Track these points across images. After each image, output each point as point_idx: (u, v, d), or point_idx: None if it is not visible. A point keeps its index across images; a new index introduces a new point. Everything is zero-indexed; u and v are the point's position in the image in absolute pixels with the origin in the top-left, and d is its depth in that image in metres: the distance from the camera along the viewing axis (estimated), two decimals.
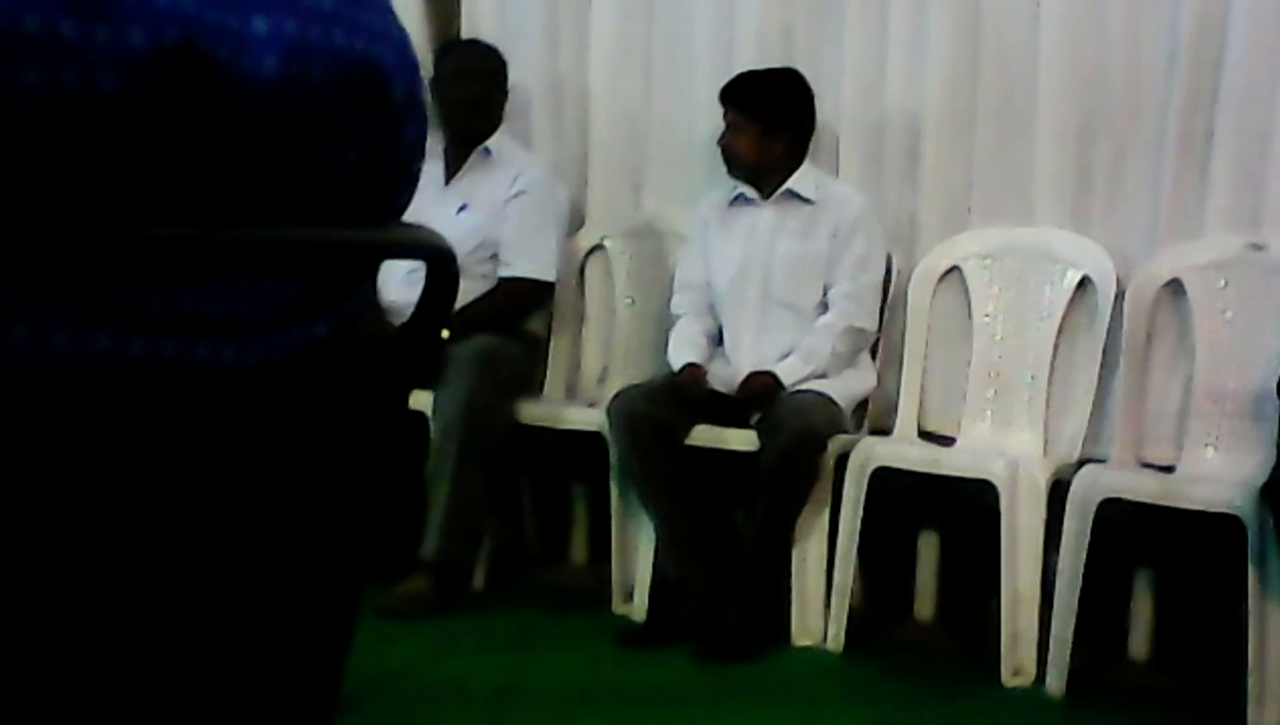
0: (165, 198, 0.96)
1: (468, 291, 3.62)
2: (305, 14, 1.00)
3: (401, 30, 1.07)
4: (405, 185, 1.08)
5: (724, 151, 3.56)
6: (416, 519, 3.52)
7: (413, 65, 1.07)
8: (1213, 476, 3.17)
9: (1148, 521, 3.25)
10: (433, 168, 3.87)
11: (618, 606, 3.57)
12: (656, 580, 3.47)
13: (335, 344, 1.06)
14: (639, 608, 3.49)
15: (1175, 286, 3.33)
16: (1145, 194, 3.38)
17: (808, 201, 3.49)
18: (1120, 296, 3.36)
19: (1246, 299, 3.27)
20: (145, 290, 0.97)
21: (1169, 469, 3.29)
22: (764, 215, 3.56)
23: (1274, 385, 3.11)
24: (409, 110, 1.06)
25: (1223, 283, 3.29)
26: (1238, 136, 3.28)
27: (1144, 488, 3.14)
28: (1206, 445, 3.26)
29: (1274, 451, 3.11)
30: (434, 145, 3.92)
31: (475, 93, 3.84)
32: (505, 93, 3.92)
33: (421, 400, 3.48)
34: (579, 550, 4.05)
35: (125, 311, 0.96)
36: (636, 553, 3.53)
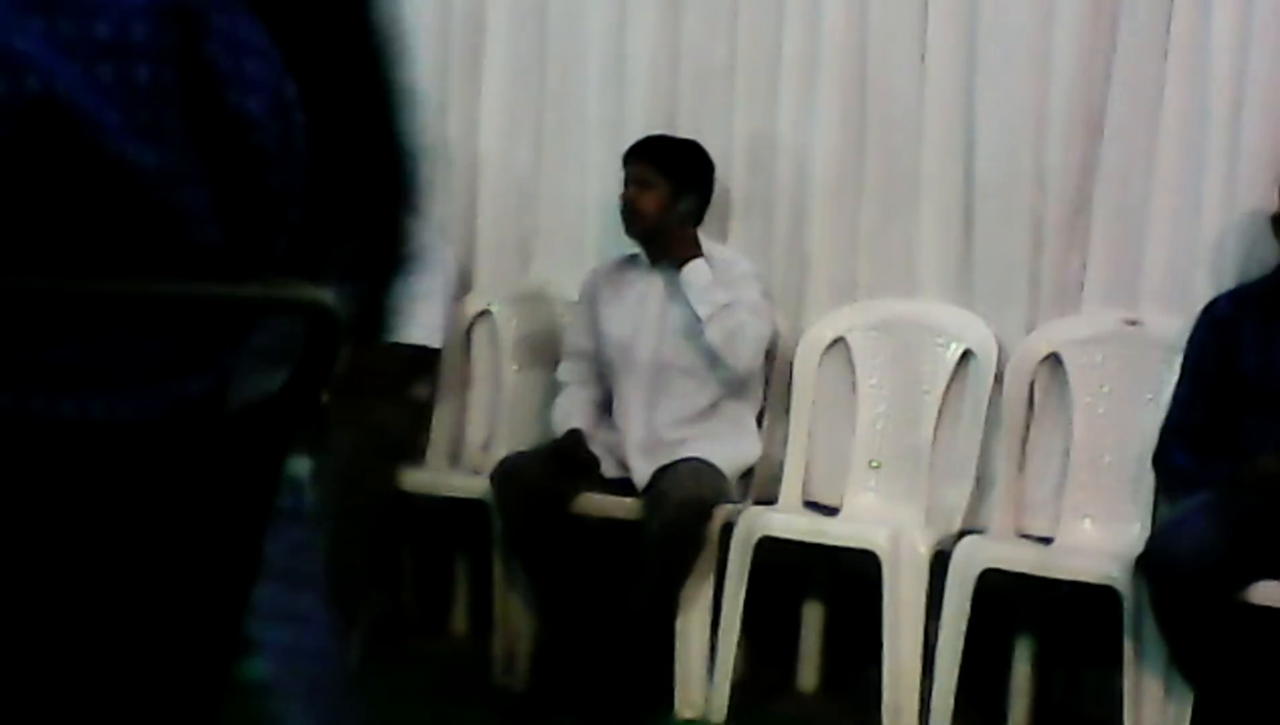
0: (31, 249, 0.92)
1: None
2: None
3: (281, 78, 1.05)
4: (277, 232, 1.06)
5: (626, 207, 3.51)
6: None
7: (287, 112, 1.05)
8: (1090, 548, 3.22)
9: (1027, 592, 3.28)
10: None
11: (499, 678, 3.51)
12: (539, 650, 3.42)
13: (211, 402, 1.03)
14: (520, 679, 3.44)
15: (1054, 360, 3.40)
16: (1026, 269, 3.44)
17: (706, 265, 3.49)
18: (1001, 370, 3.41)
19: (1123, 374, 3.34)
20: (9, 343, 0.94)
21: (1048, 540, 3.33)
22: (655, 281, 3.56)
23: (1149, 458, 3.18)
24: (279, 157, 1.03)
25: (1100, 358, 3.36)
26: (1115, 213, 3.37)
27: (1022, 558, 3.18)
28: (1084, 517, 3.31)
29: (1149, 523, 3.17)
30: None
31: None
32: None
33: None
34: (460, 621, 3.98)
35: None
36: (519, 622, 3.47)
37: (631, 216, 3.51)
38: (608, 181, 3.66)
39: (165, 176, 0.96)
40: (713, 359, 3.44)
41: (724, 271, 3.49)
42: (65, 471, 0.98)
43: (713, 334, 3.39)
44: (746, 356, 3.42)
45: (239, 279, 1.02)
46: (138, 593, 1.05)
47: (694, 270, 3.43)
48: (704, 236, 3.60)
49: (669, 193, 3.48)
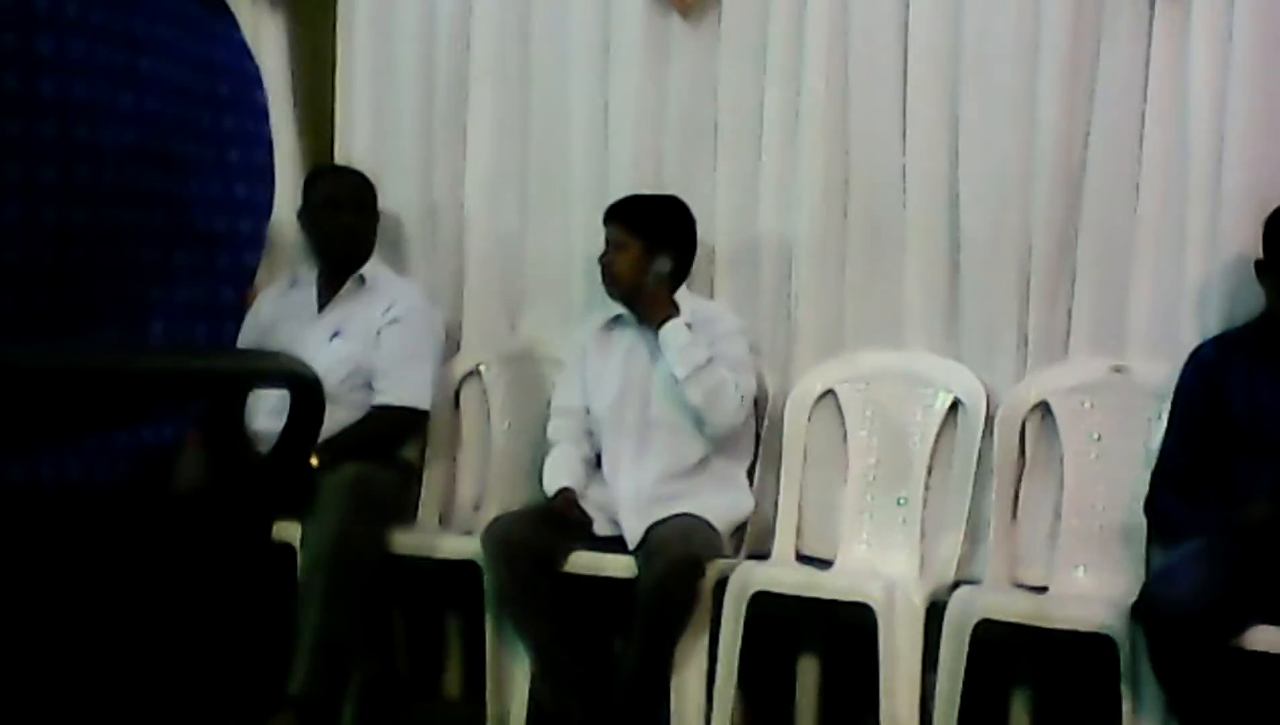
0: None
1: (340, 420, 3.56)
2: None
3: (262, 168, 1.05)
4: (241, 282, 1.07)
5: (604, 270, 3.56)
6: (283, 654, 3.41)
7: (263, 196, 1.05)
8: (1085, 596, 3.20)
9: (1023, 642, 3.27)
10: (305, 295, 3.82)
11: None
12: (533, 712, 3.39)
13: (176, 456, 1.03)
14: None
15: (1044, 409, 3.40)
16: (1013, 318, 3.45)
17: (686, 324, 3.50)
18: (990, 419, 3.41)
19: (1112, 421, 3.34)
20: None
21: (1042, 589, 3.32)
22: (642, 339, 3.56)
23: (1141, 505, 3.17)
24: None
25: (1088, 405, 3.36)
26: (1100, 261, 3.39)
27: (1017, 608, 3.17)
28: (1078, 565, 3.30)
29: (1144, 571, 3.16)
30: (307, 273, 3.88)
31: (346, 223, 3.80)
32: (376, 219, 3.90)
33: (289, 531, 3.39)
34: (453, 683, 3.95)
35: None
36: (512, 684, 3.45)
37: (608, 279, 3.54)
38: (593, 240, 3.67)
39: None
40: (699, 416, 3.45)
41: (709, 327, 3.49)
42: (50, 540, 0.97)
43: (693, 394, 3.40)
44: (728, 413, 3.42)
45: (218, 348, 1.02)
46: (123, 659, 1.03)
47: (670, 332, 3.44)
48: (690, 292, 3.61)
49: (642, 253, 3.49)
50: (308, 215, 3.82)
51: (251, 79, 1.11)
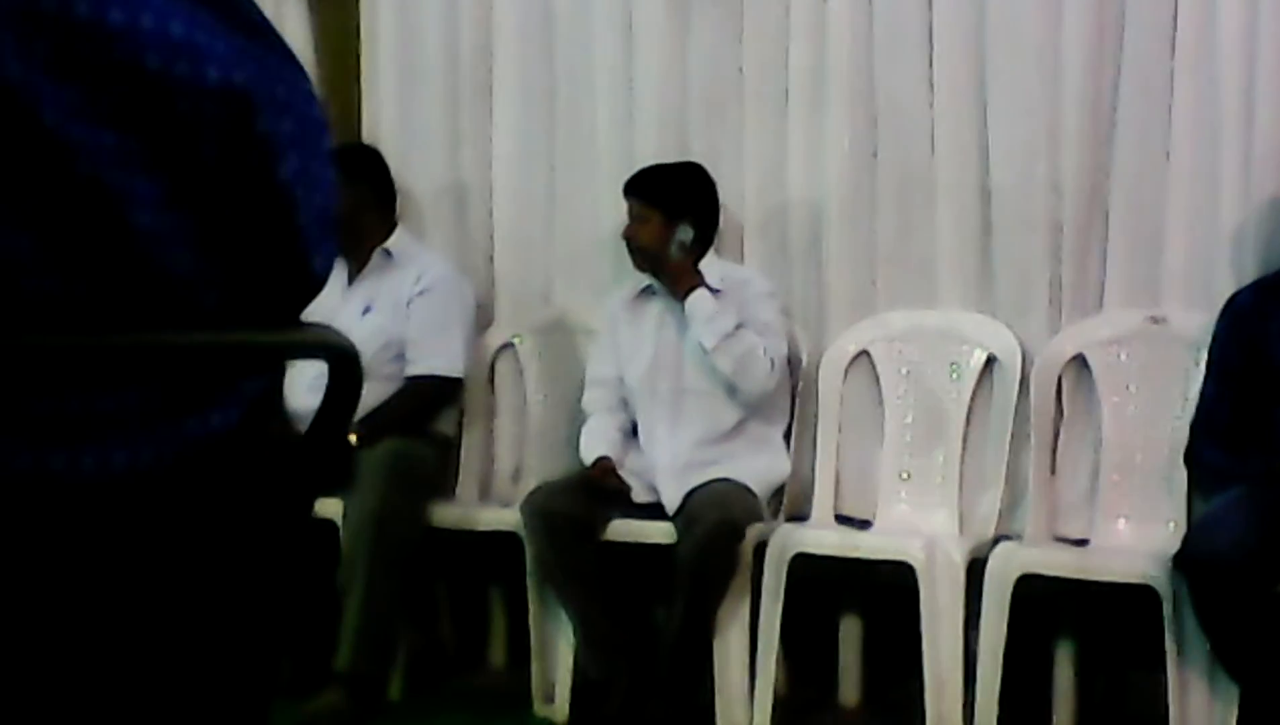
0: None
1: (375, 393, 3.58)
2: None
3: (325, 167, 1.06)
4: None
5: (628, 243, 3.56)
6: (329, 630, 3.44)
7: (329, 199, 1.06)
8: (1126, 548, 3.20)
9: (1065, 595, 3.26)
10: (335, 271, 3.83)
11: (539, 708, 3.50)
12: (578, 679, 3.42)
13: (239, 434, 1.03)
14: (561, 708, 3.44)
15: (1080, 362, 3.38)
16: (1046, 272, 3.43)
17: (714, 291, 3.50)
18: (1026, 374, 3.40)
19: (1149, 372, 3.32)
20: (27, 398, 0.93)
21: (1083, 542, 3.31)
22: (672, 308, 3.56)
23: (1180, 455, 3.16)
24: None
25: (1124, 357, 3.34)
26: (1132, 211, 3.36)
27: (1059, 562, 3.16)
28: (1118, 517, 3.29)
29: (1185, 521, 3.15)
30: None
31: (346, 201, 3.75)
32: (389, 194, 3.90)
33: (330, 507, 3.42)
34: (498, 653, 3.98)
35: None
36: (556, 653, 3.47)
37: (632, 252, 3.55)
38: (622, 210, 3.66)
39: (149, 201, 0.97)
40: (730, 383, 3.45)
41: (739, 291, 3.49)
42: (88, 530, 0.97)
43: (722, 362, 3.40)
44: (759, 379, 3.42)
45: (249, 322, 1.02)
46: (171, 642, 1.04)
47: (696, 302, 3.44)
48: (720, 256, 3.61)
49: (663, 224, 3.49)
50: None
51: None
